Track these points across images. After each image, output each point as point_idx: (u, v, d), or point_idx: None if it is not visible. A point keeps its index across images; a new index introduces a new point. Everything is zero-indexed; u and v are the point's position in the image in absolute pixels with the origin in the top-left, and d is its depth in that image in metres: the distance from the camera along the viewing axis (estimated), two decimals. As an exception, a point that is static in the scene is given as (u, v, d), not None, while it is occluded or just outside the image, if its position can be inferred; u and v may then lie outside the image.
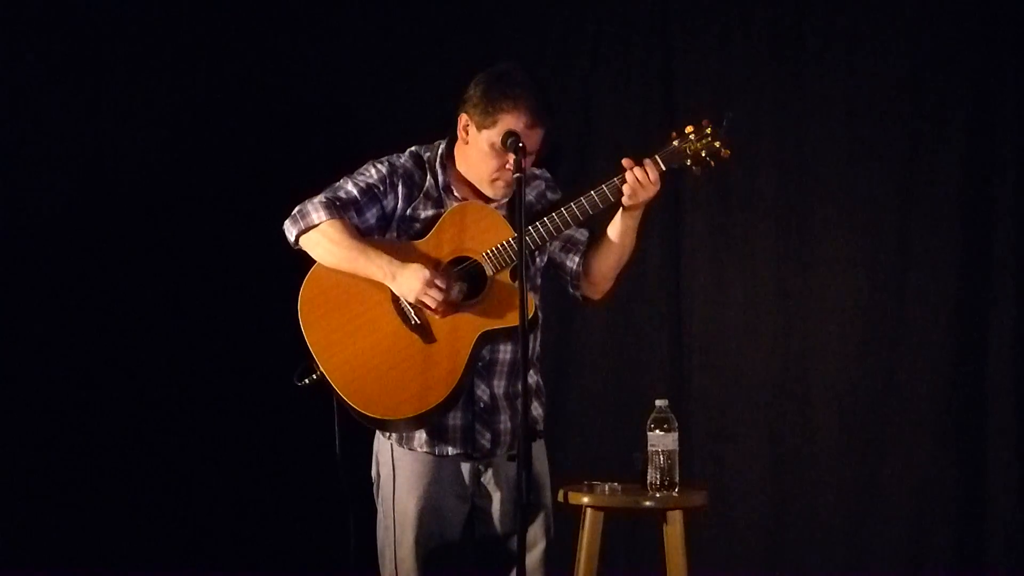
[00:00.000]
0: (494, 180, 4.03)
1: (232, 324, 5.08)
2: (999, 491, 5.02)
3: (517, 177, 3.81)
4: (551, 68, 5.16)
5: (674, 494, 3.98)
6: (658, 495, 3.97)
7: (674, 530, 4.00)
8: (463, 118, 4.03)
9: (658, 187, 3.98)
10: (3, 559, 4.80)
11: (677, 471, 3.99)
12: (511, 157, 3.96)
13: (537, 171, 4.18)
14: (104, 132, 5.03)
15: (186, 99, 5.10)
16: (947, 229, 5.08)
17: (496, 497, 4.08)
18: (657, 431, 3.97)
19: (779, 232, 5.17)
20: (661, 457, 3.97)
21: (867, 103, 5.10)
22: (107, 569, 4.86)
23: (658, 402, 4.00)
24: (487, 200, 4.07)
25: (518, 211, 3.78)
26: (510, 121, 3.96)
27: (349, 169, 4.09)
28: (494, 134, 3.98)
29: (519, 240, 3.77)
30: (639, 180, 3.96)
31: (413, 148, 4.12)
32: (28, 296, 4.95)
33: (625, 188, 3.97)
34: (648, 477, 3.99)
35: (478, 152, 4.01)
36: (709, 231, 5.17)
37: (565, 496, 4.05)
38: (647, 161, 3.98)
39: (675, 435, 3.98)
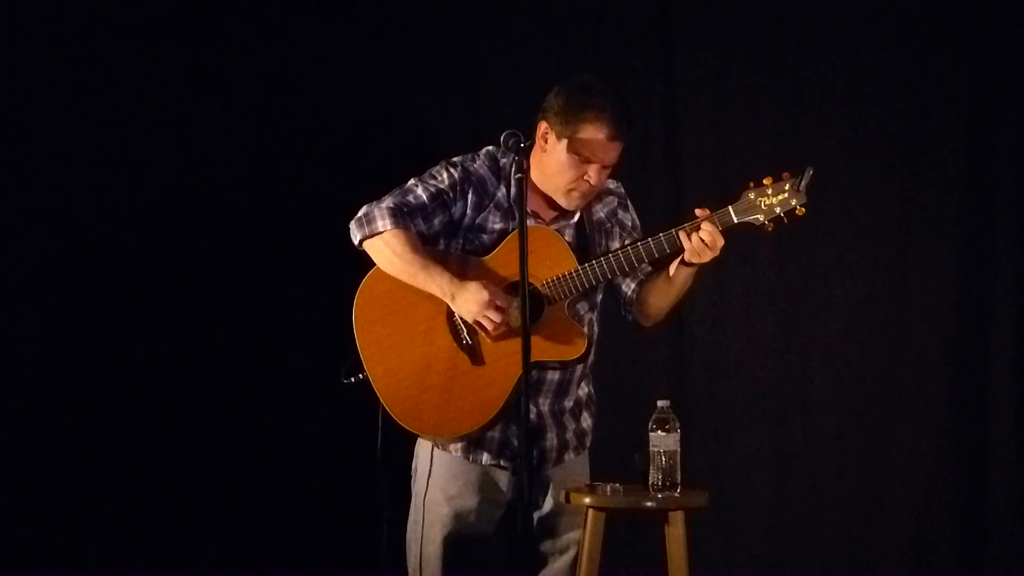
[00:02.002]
0: (570, 191, 3.99)
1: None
2: (999, 491, 5.02)
3: (519, 177, 3.76)
4: (551, 68, 5.15)
5: (675, 495, 3.97)
6: (659, 496, 3.97)
7: (675, 531, 3.99)
8: (543, 126, 3.98)
9: (716, 254, 3.94)
10: (8, 559, 4.81)
11: (678, 472, 3.98)
12: (589, 168, 3.94)
13: (612, 185, 4.15)
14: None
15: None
16: (947, 229, 5.08)
17: (536, 501, 4.07)
18: (658, 432, 3.97)
19: (779, 232, 5.15)
20: (662, 458, 3.97)
21: (867, 103, 5.10)
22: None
23: (659, 402, 4.00)
24: (558, 211, 4.05)
25: (519, 212, 3.74)
26: (591, 131, 3.92)
27: (393, 167, 4.10)
28: (574, 145, 3.94)
29: (522, 247, 3.68)
30: (697, 247, 3.92)
31: (491, 149, 4.06)
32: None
33: (686, 244, 3.92)
34: (649, 478, 3.99)
35: (555, 162, 3.97)
36: (709, 231, 5.17)
37: (567, 497, 4.05)
38: (720, 213, 3.94)
39: (676, 436, 3.97)
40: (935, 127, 5.08)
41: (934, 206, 5.09)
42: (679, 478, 3.98)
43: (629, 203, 4.18)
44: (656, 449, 3.97)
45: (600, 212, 4.12)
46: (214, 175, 5.07)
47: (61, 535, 4.89)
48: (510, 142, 3.81)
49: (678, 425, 3.98)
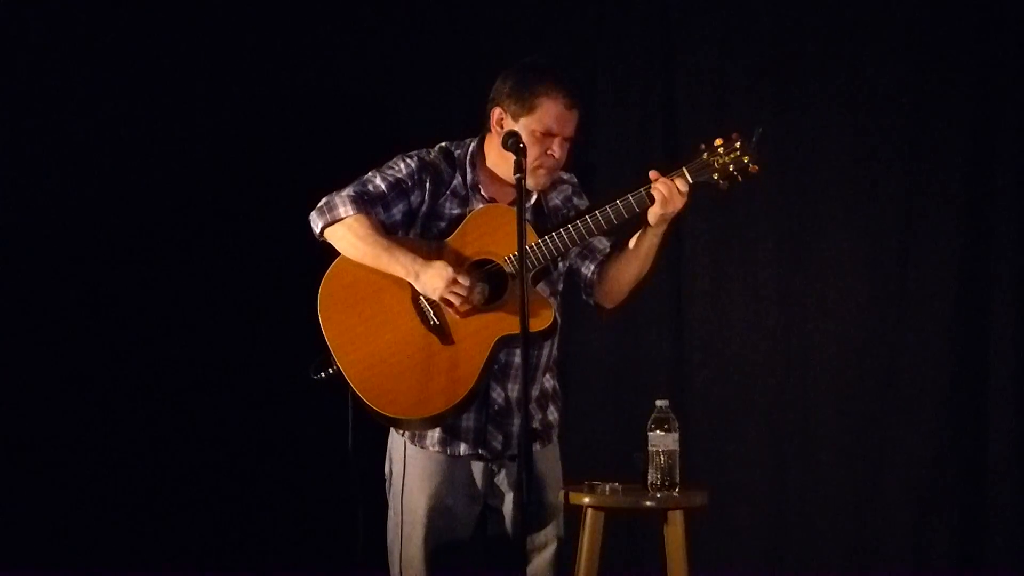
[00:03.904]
0: (535, 168, 3.99)
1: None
2: (999, 491, 5.02)
3: (518, 178, 3.79)
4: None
5: (675, 494, 3.98)
6: (659, 495, 3.97)
7: (675, 530, 4.00)
8: (496, 112, 4.02)
9: (685, 200, 3.95)
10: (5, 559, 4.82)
11: (678, 471, 3.99)
12: (552, 141, 3.97)
13: (565, 175, 4.17)
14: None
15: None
16: (947, 229, 5.08)
17: (508, 497, 4.10)
18: (658, 431, 3.98)
19: (779, 232, 5.17)
20: (662, 457, 3.97)
21: (868, 104, 5.10)
22: (116, 568, 4.87)
23: (659, 402, 4.01)
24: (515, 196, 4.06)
25: (519, 211, 3.76)
26: (549, 105, 3.97)
27: (362, 162, 4.09)
28: (534, 121, 3.97)
29: (520, 244, 3.74)
30: (666, 193, 3.93)
31: (444, 144, 4.10)
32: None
33: (656, 195, 3.93)
34: (649, 477, 3.99)
35: None
36: (709, 230, 5.18)
37: (566, 496, 4.05)
38: (675, 174, 3.96)
39: (676, 435, 3.98)
40: (935, 128, 5.08)
41: (934, 206, 5.09)
42: (678, 478, 3.99)
43: (583, 192, 4.20)
44: (655, 449, 3.98)
45: (556, 199, 4.15)
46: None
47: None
48: (509, 142, 3.86)
49: (677, 425, 3.99)
